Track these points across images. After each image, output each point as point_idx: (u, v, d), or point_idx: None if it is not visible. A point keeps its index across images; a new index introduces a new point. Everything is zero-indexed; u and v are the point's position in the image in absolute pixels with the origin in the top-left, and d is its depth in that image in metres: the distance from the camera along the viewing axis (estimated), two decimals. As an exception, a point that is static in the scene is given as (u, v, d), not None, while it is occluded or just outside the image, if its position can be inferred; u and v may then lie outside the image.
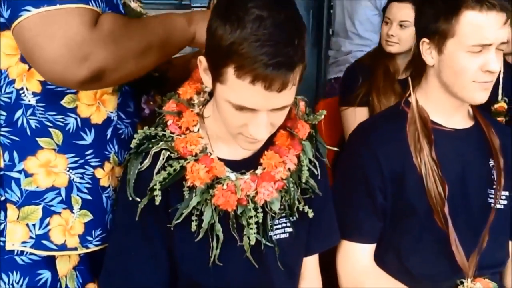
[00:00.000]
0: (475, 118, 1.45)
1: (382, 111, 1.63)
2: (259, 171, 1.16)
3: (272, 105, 1.01)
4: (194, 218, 1.10)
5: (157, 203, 1.08)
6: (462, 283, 1.35)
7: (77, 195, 1.13)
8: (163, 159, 1.11)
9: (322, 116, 1.23)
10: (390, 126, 1.42)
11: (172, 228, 1.11)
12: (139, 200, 1.09)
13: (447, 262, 1.35)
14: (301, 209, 1.20)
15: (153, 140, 1.13)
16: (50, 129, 1.10)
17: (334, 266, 1.45)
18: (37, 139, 1.09)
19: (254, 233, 1.13)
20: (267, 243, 1.17)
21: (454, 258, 1.33)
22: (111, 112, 1.17)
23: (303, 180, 1.19)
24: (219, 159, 1.14)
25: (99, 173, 1.16)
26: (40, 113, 1.09)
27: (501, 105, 2.44)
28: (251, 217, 1.12)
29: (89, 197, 1.15)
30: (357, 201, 1.39)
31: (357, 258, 1.41)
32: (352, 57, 2.86)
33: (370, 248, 1.42)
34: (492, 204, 1.39)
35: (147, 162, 1.11)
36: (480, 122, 1.44)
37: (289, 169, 1.16)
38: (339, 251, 1.43)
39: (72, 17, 0.96)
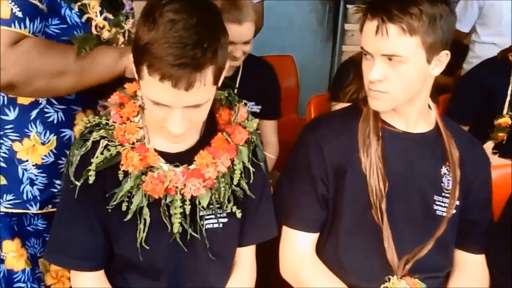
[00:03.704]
0: (437, 125, 1.46)
1: (342, 108, 1.67)
2: (192, 167, 1.25)
3: (183, 103, 1.11)
4: (125, 199, 1.22)
5: (90, 182, 1.20)
6: (389, 279, 1.40)
7: None
8: (102, 146, 1.22)
9: (255, 124, 1.31)
10: (343, 121, 1.47)
11: (109, 210, 1.22)
12: (77, 182, 1.21)
13: (380, 259, 1.39)
14: (229, 210, 1.29)
15: (96, 128, 1.24)
16: None
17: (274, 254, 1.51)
18: None
19: (179, 223, 1.23)
20: (193, 233, 1.26)
21: (387, 257, 1.38)
22: None
23: (235, 182, 1.28)
24: (156, 150, 1.24)
25: (16, 146, 1.34)
26: None
27: (505, 120, 2.38)
28: (176, 207, 1.22)
29: (3, 164, 1.35)
30: (300, 189, 1.45)
31: (298, 245, 1.46)
32: None
33: (312, 237, 1.47)
34: (445, 214, 1.42)
35: (87, 148, 1.22)
36: (440, 130, 1.45)
37: (219, 171, 1.25)
38: (282, 238, 1.48)
39: None
